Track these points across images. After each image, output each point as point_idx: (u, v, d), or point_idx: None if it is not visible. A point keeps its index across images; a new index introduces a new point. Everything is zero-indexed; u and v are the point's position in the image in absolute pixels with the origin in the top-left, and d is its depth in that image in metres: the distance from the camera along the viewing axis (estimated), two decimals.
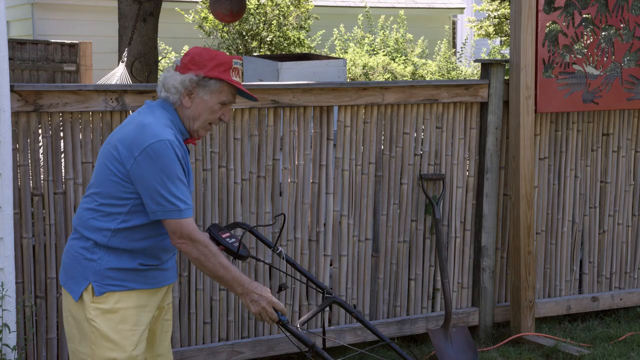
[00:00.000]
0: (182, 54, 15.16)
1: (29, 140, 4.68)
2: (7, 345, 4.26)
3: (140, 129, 3.29)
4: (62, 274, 3.44)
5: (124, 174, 3.28)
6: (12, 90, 4.46)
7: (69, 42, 10.78)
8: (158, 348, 3.63)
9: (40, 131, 4.72)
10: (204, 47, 3.48)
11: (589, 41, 6.06)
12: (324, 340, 4.01)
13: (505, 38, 17.45)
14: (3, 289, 4.28)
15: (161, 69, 13.67)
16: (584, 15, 5.99)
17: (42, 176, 4.74)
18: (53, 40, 11.13)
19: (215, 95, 3.39)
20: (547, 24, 5.89)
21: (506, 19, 16.87)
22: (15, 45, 10.53)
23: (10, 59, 4.35)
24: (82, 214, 3.39)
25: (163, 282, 3.50)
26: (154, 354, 3.61)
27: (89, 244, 3.34)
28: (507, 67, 5.96)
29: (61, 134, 4.76)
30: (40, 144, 4.74)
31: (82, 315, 3.34)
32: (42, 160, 4.73)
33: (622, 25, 6.11)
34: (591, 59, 6.07)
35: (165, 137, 3.25)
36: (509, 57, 5.94)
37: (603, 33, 6.10)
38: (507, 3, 14.18)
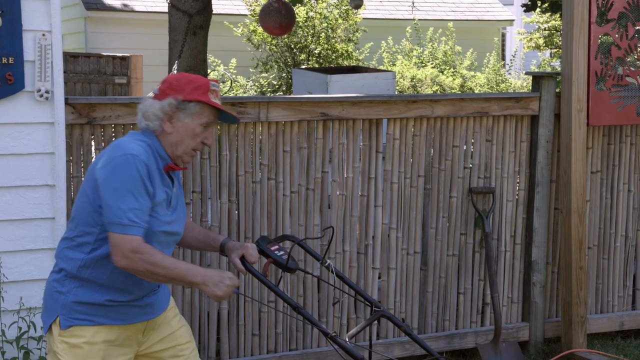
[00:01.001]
0: (230, 67, 15.26)
1: (82, 152, 4.74)
2: None
3: (112, 147, 3.25)
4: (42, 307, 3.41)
5: (96, 197, 3.21)
6: (66, 102, 4.51)
7: (120, 55, 10.92)
8: None
9: (93, 143, 4.77)
10: (180, 73, 3.44)
11: None
12: (370, 353, 3.98)
13: (555, 50, 17.33)
14: None
15: None
16: (638, 27, 5.93)
17: None
18: (105, 54, 11.29)
19: (196, 117, 3.31)
20: (600, 36, 5.83)
21: (557, 30, 16.75)
22: (68, 58, 10.68)
23: (63, 71, 4.40)
24: (59, 243, 3.36)
25: (137, 319, 3.35)
26: None
27: (60, 275, 3.28)
28: (558, 80, 5.92)
29: None
30: (93, 155, 4.80)
31: (51, 348, 3.30)
32: None
33: None
34: None
35: (131, 152, 3.18)
36: (559, 69, 5.89)
37: None
38: (558, 15, 14.07)
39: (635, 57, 5.99)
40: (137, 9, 16.10)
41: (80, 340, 3.23)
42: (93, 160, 4.60)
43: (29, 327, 4.20)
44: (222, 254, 3.68)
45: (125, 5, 16.18)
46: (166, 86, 3.33)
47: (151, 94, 3.39)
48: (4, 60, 4.20)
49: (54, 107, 4.31)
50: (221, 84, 15.16)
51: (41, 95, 4.29)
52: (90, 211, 3.23)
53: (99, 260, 3.25)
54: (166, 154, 3.33)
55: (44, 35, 4.28)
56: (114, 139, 4.80)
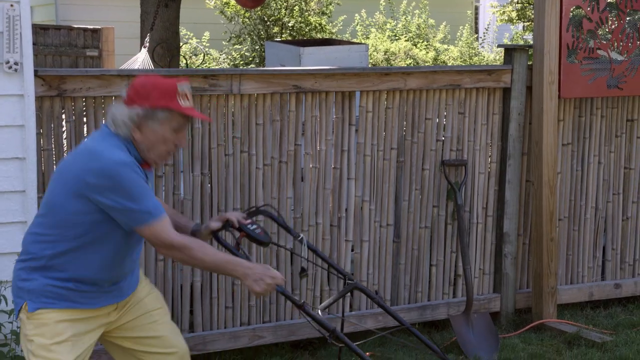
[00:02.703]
0: (203, 40, 15.18)
1: (52, 125, 4.70)
2: None
3: (92, 155, 3.23)
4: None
5: (75, 201, 3.21)
6: (36, 75, 4.47)
7: (91, 27, 10.80)
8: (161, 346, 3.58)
9: (63, 116, 4.73)
10: (147, 75, 3.37)
11: (613, 26, 6.01)
12: (342, 324, 4.01)
13: (528, 23, 17.32)
14: None
15: (182, 54, 13.69)
16: (609, 0, 5.94)
17: None
18: (76, 26, 11.16)
19: (166, 124, 3.27)
20: (571, 9, 5.84)
21: (529, 4, 16.74)
22: (38, 30, 10.56)
23: (33, 44, 4.36)
24: (26, 236, 3.37)
25: (104, 303, 3.37)
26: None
27: (26, 264, 3.29)
28: (530, 53, 5.93)
29: (84, 118, 4.78)
30: (64, 128, 4.76)
31: (22, 332, 3.31)
32: (65, 144, 4.75)
33: None
34: (616, 44, 6.03)
35: (116, 159, 3.19)
36: (532, 42, 5.91)
37: (628, 18, 6.05)
38: None
39: (607, 30, 6.01)
40: None
41: (49, 320, 3.24)
42: (66, 144, 4.58)
43: None
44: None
45: None
46: (133, 92, 3.28)
47: (122, 98, 3.35)
48: None
49: (23, 79, 4.26)
50: (194, 57, 15.09)
51: (10, 67, 4.24)
52: (75, 209, 3.22)
53: (70, 253, 3.25)
54: (139, 155, 3.32)
55: (12, 6, 4.23)
56: (85, 111, 4.76)
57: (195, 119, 3.33)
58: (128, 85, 3.36)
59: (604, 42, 5.98)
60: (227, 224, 3.67)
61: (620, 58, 6.06)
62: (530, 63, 5.90)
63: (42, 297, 3.24)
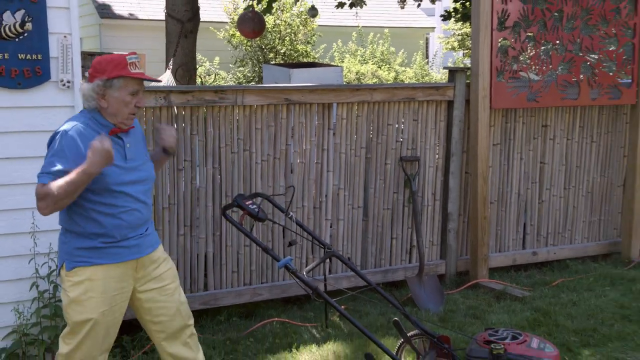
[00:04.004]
0: (215, 63, 15.10)
1: None
2: None
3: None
4: None
5: None
6: None
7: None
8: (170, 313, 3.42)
9: None
10: (103, 55, 3.26)
11: (531, 53, 6.03)
12: (325, 284, 4.00)
13: (467, 51, 17.37)
14: None
15: (199, 74, 13.62)
16: (528, 33, 5.96)
17: None
18: (115, 53, 11.10)
19: (123, 89, 3.16)
20: (500, 40, 5.85)
21: (467, 36, 16.77)
22: (86, 56, 10.45)
23: (82, 66, 4.32)
24: None
25: (126, 258, 3.23)
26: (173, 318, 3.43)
27: (62, 229, 3.25)
28: (468, 74, 5.94)
29: None
30: None
31: (62, 286, 3.26)
32: None
33: (557, 41, 6.07)
34: (533, 67, 6.04)
35: (61, 129, 3.12)
36: (470, 65, 5.91)
37: (542, 47, 6.06)
38: (468, 24, 14.11)
39: (527, 56, 6.02)
40: (140, 17, 15.92)
41: (82, 278, 3.17)
42: None
43: (57, 266, 4.15)
44: (164, 154, 3.54)
45: (131, 14, 15.96)
46: (93, 70, 3.18)
47: (85, 79, 3.24)
48: (34, 56, 4.11)
49: (74, 94, 4.22)
50: (207, 76, 15.02)
51: (63, 85, 4.21)
52: None
53: (80, 216, 3.17)
54: (108, 122, 3.20)
55: (65, 37, 4.19)
56: None
57: (144, 80, 3.16)
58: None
59: (525, 66, 6.00)
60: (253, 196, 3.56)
61: (536, 78, 6.07)
62: (468, 82, 5.91)
63: (77, 257, 3.17)
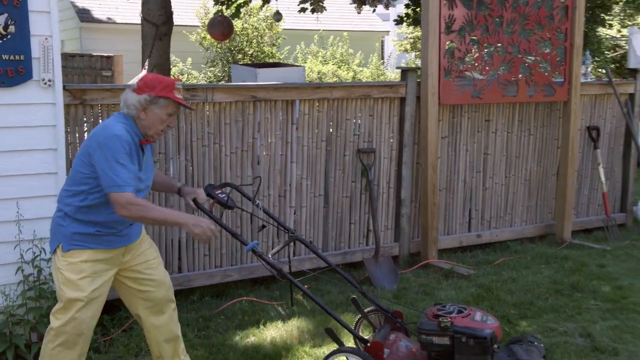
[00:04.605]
0: (187, 64, 14.97)
1: (76, 125, 4.60)
2: None
3: (102, 128, 3.17)
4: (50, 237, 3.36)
5: (89, 162, 3.14)
6: (64, 88, 4.36)
7: (106, 55, 10.59)
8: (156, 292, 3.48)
9: (84, 118, 4.64)
10: (155, 74, 3.33)
11: (475, 55, 6.09)
12: (289, 266, 4.00)
13: (418, 53, 17.45)
14: None
15: (172, 74, 13.46)
16: (472, 37, 6.01)
17: None
18: (95, 54, 10.92)
19: (164, 109, 3.24)
20: (447, 43, 5.90)
21: (419, 39, 16.84)
22: (67, 57, 10.32)
23: (63, 67, 4.27)
24: (60, 192, 3.30)
25: (118, 244, 3.30)
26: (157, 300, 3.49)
27: (61, 214, 3.24)
28: (419, 73, 5.98)
29: (100, 120, 4.69)
30: (85, 127, 4.66)
31: (56, 265, 3.26)
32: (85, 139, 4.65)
33: (498, 44, 6.14)
34: (477, 67, 6.10)
35: (116, 133, 3.10)
36: (420, 66, 5.95)
37: (485, 50, 6.13)
38: (419, 28, 14.19)
39: (471, 57, 6.08)
40: (118, 21, 15.71)
41: (77, 260, 3.21)
42: (86, 135, 4.48)
43: (40, 252, 4.09)
44: (179, 195, 3.63)
45: (109, 18, 15.74)
46: (143, 84, 3.25)
47: (133, 86, 3.28)
48: (17, 57, 4.03)
49: (55, 92, 4.15)
50: (180, 75, 14.89)
51: (45, 83, 4.13)
52: (84, 173, 3.18)
53: (89, 206, 3.20)
54: (140, 132, 3.26)
55: (46, 39, 4.11)
56: (100, 115, 4.68)
57: (182, 109, 3.23)
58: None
59: (469, 66, 6.05)
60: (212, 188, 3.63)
61: (480, 77, 6.14)
62: (419, 80, 5.95)
63: (74, 241, 3.20)
